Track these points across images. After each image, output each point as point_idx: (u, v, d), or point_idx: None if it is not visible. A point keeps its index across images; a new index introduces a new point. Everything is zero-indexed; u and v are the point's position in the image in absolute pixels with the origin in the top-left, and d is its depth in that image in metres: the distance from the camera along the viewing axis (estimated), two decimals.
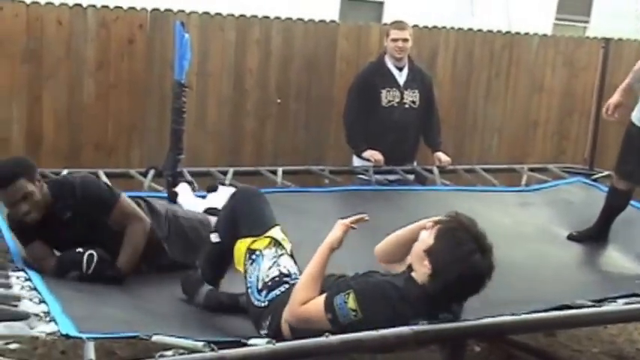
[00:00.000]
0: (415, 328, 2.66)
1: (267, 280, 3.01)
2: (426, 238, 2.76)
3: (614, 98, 4.52)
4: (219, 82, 6.30)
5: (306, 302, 2.78)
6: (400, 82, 5.49)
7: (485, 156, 7.22)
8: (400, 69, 5.51)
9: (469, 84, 7.21)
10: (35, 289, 2.88)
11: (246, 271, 3.10)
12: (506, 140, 7.46)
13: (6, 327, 2.45)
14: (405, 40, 5.45)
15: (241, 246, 3.14)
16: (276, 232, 3.15)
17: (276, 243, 3.12)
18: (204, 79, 6.20)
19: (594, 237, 4.56)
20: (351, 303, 2.67)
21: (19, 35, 5.59)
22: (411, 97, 5.50)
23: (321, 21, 6.71)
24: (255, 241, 3.11)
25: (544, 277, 3.96)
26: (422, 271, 2.73)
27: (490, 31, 7.39)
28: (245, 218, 3.18)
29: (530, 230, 4.73)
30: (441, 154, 5.61)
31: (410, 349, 3.09)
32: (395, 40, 5.44)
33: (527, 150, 7.51)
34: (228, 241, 3.22)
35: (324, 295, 2.77)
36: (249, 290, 3.06)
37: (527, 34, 7.57)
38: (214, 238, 3.29)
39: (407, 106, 5.49)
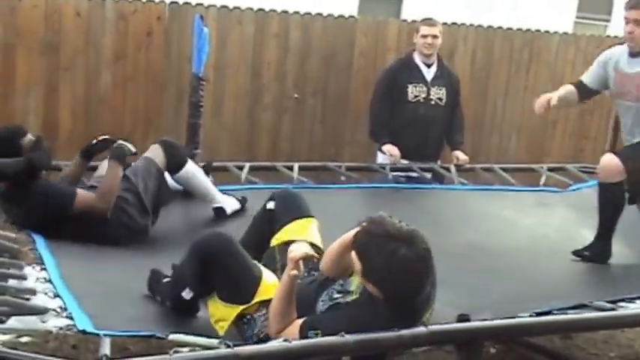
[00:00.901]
0: (431, 327, 2.64)
1: (262, 337, 2.85)
2: (356, 263, 2.66)
3: (551, 98, 4.36)
4: (237, 76, 6.28)
5: (282, 331, 2.73)
6: (428, 78, 5.45)
7: (504, 154, 7.17)
8: (428, 65, 5.48)
9: (488, 81, 7.16)
10: (50, 281, 2.87)
11: (237, 327, 2.93)
12: (525, 138, 7.40)
13: (18, 321, 2.44)
14: (435, 36, 5.42)
15: (227, 313, 2.90)
16: (263, 292, 2.92)
17: (266, 303, 2.90)
18: (222, 72, 6.18)
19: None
20: None
21: (37, 27, 5.60)
22: (438, 94, 5.46)
23: (339, 16, 6.67)
24: (244, 308, 2.90)
25: (562, 275, 3.92)
26: (374, 292, 2.66)
27: (510, 29, 7.33)
28: (226, 284, 2.90)
29: (548, 230, 4.68)
30: (459, 153, 5.57)
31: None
32: (425, 36, 5.41)
33: (545, 148, 7.45)
34: (201, 292, 2.97)
35: (299, 325, 2.71)
36: (247, 339, 2.92)
37: (547, 32, 7.51)
38: (186, 294, 2.96)
39: (433, 102, 5.45)
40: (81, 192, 3.50)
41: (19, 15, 5.55)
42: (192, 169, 4.03)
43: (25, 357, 2.17)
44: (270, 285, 2.94)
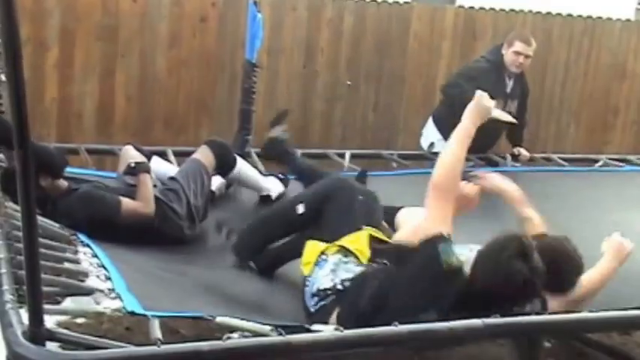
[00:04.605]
0: (487, 320, 2.59)
1: (320, 287, 2.98)
2: None
3: None
4: (290, 61, 6.26)
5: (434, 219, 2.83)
6: (507, 90, 5.25)
7: (561, 143, 7.02)
8: (509, 77, 5.28)
9: (546, 68, 7.00)
10: (102, 266, 2.89)
11: (311, 272, 3.07)
12: (584, 127, 7.23)
13: (73, 302, 2.46)
14: (528, 56, 5.19)
15: (313, 252, 3.11)
16: (349, 240, 3.10)
17: (346, 251, 3.07)
18: (275, 58, 6.15)
19: None
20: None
21: (94, 12, 5.64)
22: (511, 107, 5.26)
23: (394, 2, 6.59)
24: (326, 247, 3.10)
25: None
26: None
27: (570, 15, 7.15)
28: (332, 218, 3.19)
29: (609, 211, 4.53)
30: (521, 149, 5.42)
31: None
32: (518, 53, 5.15)
33: (605, 138, 7.26)
34: (310, 213, 3.30)
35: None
36: (306, 288, 3.04)
37: (609, 19, 7.30)
38: (300, 209, 3.33)
39: None
40: (125, 200, 3.51)
41: (78, 0, 5.60)
42: (241, 167, 4.10)
43: (78, 338, 2.18)
44: (360, 239, 3.08)
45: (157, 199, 3.60)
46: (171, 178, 3.79)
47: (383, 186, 4.53)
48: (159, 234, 3.55)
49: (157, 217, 3.56)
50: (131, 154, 3.92)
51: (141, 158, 3.85)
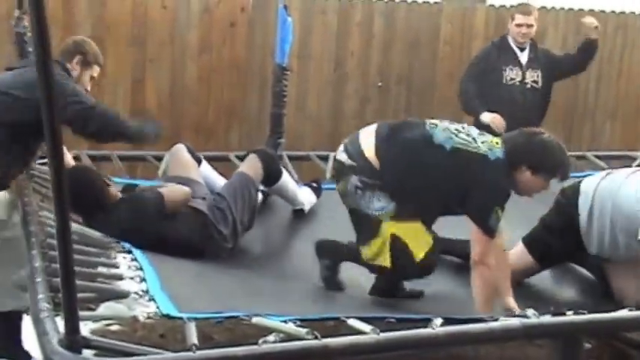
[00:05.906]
0: (525, 321, 2.56)
1: None
2: None
3: None
4: (320, 65, 6.25)
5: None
6: (522, 61, 5.36)
7: (597, 142, 6.91)
8: (522, 49, 5.40)
9: None
10: (139, 268, 2.90)
11: None
12: (619, 125, 7.12)
13: (107, 308, 2.46)
14: (530, 25, 5.34)
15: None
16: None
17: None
18: (305, 62, 6.15)
19: None
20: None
21: (124, 20, 5.69)
22: (533, 77, 5.36)
23: (424, 2, 6.55)
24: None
25: None
26: None
27: (602, 12, 7.04)
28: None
29: None
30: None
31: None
32: (519, 25, 5.33)
33: None
34: None
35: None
36: None
37: None
38: None
39: (528, 86, 5.34)
40: (163, 190, 3.51)
41: (107, 9, 5.64)
42: (285, 180, 4.06)
43: (114, 345, 2.17)
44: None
45: (204, 216, 3.55)
46: (219, 195, 3.71)
47: None
48: (201, 252, 3.50)
49: (202, 237, 3.51)
50: (183, 156, 3.91)
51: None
